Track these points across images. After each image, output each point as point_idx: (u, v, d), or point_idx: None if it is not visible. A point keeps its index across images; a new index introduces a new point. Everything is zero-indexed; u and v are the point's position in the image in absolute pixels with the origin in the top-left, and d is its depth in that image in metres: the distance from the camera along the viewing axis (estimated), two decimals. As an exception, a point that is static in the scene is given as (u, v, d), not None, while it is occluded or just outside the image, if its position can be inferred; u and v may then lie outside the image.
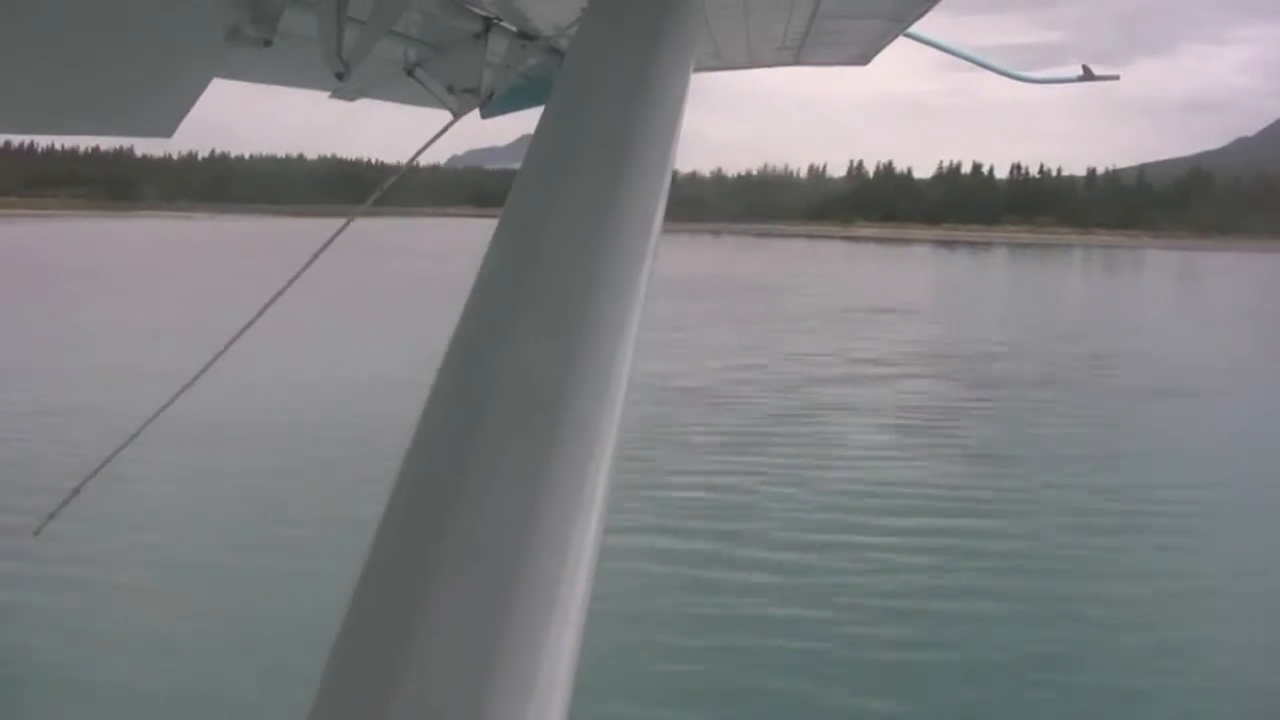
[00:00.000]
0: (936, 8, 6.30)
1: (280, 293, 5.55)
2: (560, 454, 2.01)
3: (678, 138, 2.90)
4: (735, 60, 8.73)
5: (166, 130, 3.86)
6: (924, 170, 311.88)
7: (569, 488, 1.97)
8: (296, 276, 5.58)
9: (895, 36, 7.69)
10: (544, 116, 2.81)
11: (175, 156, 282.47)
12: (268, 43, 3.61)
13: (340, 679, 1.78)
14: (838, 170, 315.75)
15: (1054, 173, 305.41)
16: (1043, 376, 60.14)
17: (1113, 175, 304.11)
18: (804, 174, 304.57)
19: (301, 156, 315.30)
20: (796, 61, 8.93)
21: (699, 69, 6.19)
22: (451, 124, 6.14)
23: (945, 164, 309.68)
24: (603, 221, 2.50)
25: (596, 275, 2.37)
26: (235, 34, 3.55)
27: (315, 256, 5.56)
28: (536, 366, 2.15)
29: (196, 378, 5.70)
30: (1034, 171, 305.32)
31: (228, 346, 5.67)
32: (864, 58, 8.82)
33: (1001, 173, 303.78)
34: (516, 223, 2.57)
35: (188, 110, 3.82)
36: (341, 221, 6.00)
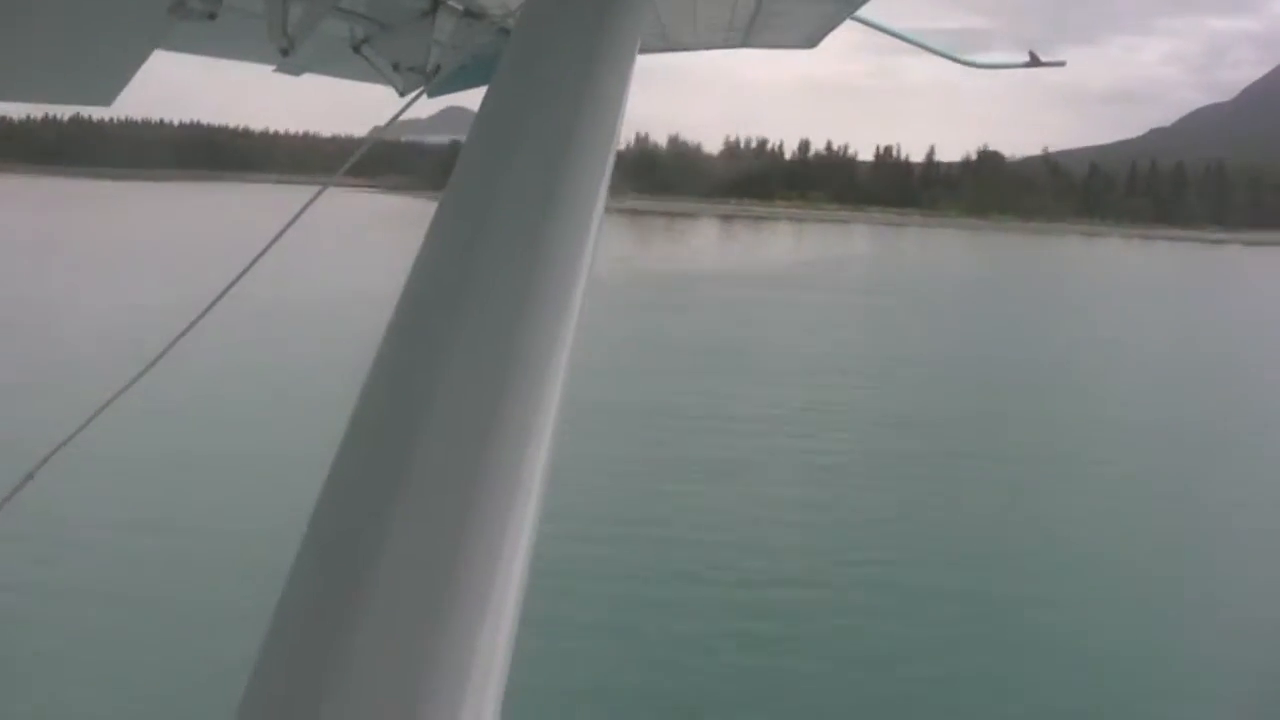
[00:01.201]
0: None
1: (248, 268, 5.22)
2: (502, 431, 2.10)
3: (622, 118, 2.94)
4: (682, 41, 8.68)
5: (105, 99, 3.87)
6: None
7: (508, 467, 2.05)
8: (264, 252, 5.24)
9: (843, 19, 7.53)
10: (488, 95, 2.88)
11: (38, 118, 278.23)
12: (212, 16, 3.56)
13: (270, 676, 1.83)
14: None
15: (842, 151, 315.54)
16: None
17: (898, 156, 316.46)
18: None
19: (163, 122, 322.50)
20: (744, 44, 8.84)
21: (645, 50, 6.32)
22: (413, 100, 5.87)
23: (732, 139, 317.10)
24: (547, 199, 2.57)
25: (540, 252, 2.46)
26: (179, 6, 3.48)
27: (282, 232, 5.25)
28: (480, 343, 2.27)
29: (162, 355, 5.29)
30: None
31: (193, 325, 5.28)
32: (811, 41, 8.72)
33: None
34: (461, 199, 2.63)
35: (128, 81, 3.82)
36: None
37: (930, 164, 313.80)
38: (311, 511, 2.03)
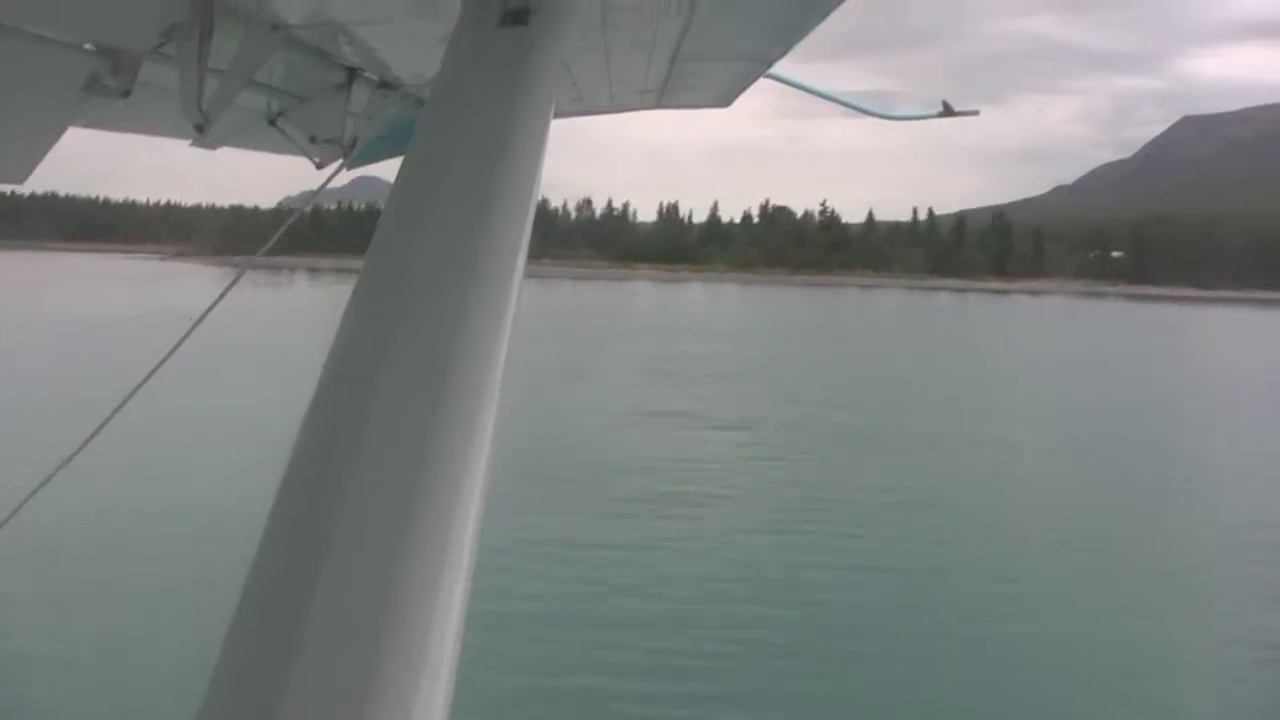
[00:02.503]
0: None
1: (181, 341, 5.51)
2: (429, 497, 2.17)
3: (539, 182, 2.99)
4: (597, 104, 8.87)
5: (18, 177, 3.90)
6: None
7: (434, 550, 2.11)
8: (196, 325, 5.59)
9: (756, 78, 7.87)
10: (404, 164, 2.94)
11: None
12: (126, 93, 3.63)
13: (227, 682, 1.97)
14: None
15: (623, 209, 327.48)
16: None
17: (677, 214, 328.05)
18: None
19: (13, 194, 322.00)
20: (659, 104, 9.09)
21: (560, 114, 6.79)
22: (336, 172, 6.22)
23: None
24: (466, 265, 2.64)
25: (460, 318, 2.52)
26: (94, 83, 3.58)
27: (213, 306, 5.58)
28: (403, 410, 2.34)
29: (104, 424, 5.54)
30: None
31: (134, 393, 5.52)
32: (725, 100, 9.03)
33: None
34: (380, 267, 2.70)
35: (41, 158, 3.86)
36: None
37: (713, 221, 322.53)
38: (255, 551, 2.11)
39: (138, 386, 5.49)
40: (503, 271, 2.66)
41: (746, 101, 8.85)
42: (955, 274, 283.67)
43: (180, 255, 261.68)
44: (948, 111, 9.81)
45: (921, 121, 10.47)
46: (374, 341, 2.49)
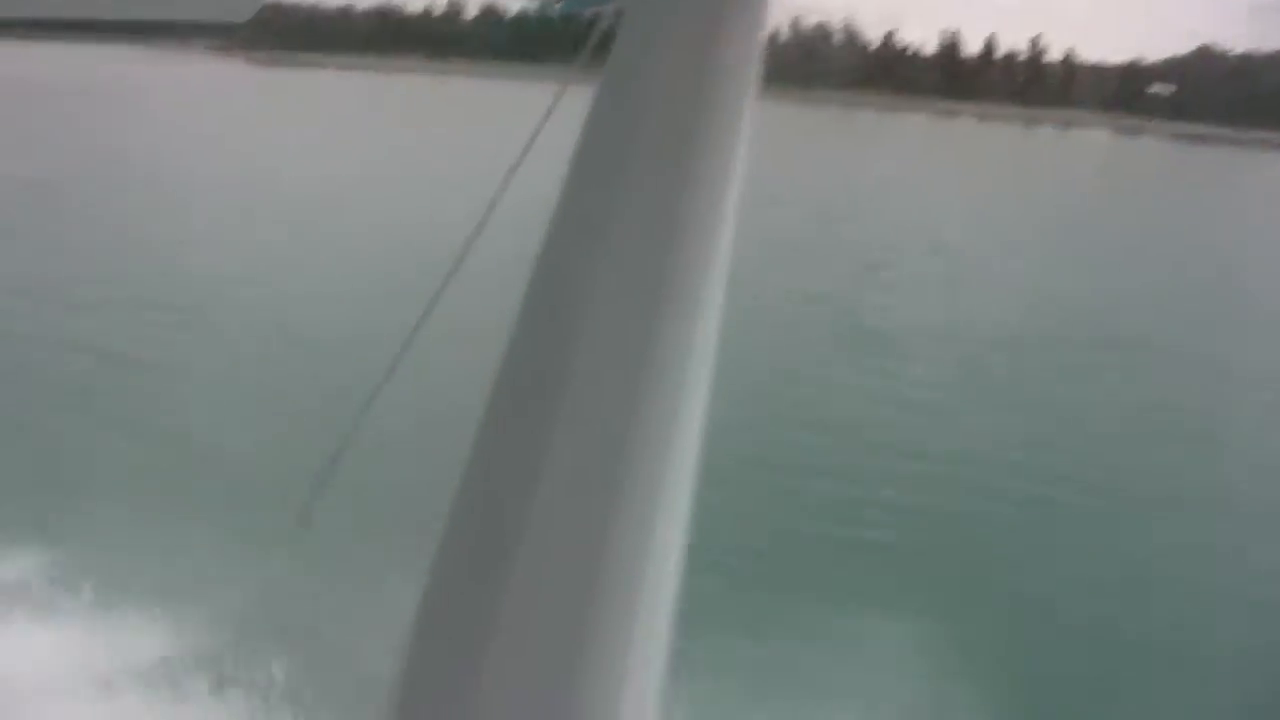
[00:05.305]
0: None
1: (516, 165, 4.61)
2: (648, 411, 2.21)
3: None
4: None
5: (244, 13, 4.10)
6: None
7: (654, 445, 2.16)
8: (529, 147, 4.71)
9: None
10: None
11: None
12: None
13: (431, 630, 1.96)
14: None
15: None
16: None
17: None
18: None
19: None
20: None
21: None
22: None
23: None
24: (690, 116, 2.54)
25: (688, 167, 2.52)
26: None
27: (540, 126, 4.74)
28: (615, 332, 2.34)
29: (458, 265, 4.78)
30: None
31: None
32: None
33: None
34: (605, 121, 2.68)
35: None
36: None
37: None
38: (452, 495, 2.15)
39: (482, 222, 4.64)
40: (729, 119, 2.54)
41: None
42: (977, 99, 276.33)
43: (214, 50, 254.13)
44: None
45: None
46: (606, 188, 2.43)
